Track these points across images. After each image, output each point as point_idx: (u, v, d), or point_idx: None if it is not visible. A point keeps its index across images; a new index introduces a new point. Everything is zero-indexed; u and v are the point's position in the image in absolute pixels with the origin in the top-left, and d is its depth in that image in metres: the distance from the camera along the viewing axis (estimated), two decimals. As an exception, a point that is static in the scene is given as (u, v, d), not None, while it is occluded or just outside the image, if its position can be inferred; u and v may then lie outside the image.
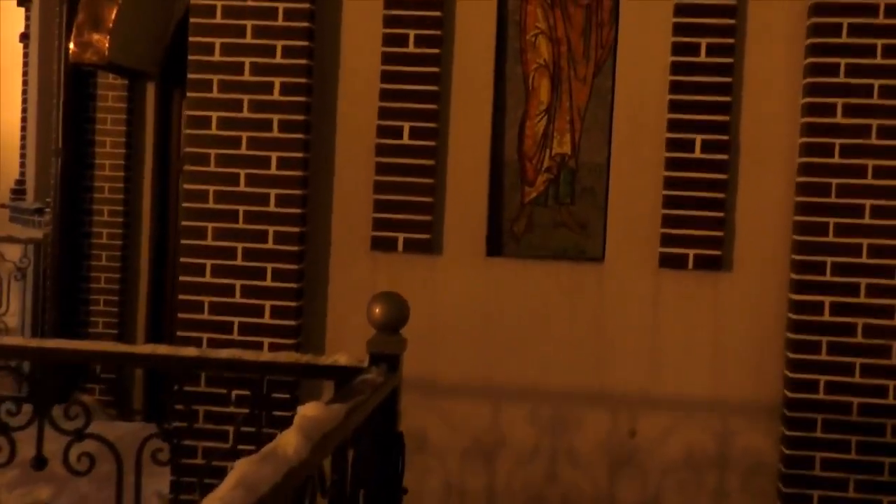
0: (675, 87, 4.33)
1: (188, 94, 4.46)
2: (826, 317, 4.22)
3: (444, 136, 4.50)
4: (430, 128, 4.46)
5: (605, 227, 4.48)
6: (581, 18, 4.49)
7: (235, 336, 4.47)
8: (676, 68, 4.33)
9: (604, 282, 4.45)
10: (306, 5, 4.38)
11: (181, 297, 4.53)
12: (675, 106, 4.33)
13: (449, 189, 4.51)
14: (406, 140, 4.46)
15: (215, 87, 4.44)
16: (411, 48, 4.44)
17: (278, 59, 4.40)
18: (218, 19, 4.42)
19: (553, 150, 4.52)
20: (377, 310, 2.83)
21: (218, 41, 4.42)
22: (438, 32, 4.43)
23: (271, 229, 4.45)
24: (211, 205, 4.46)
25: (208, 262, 4.48)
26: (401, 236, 4.49)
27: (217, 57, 4.43)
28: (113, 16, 6.30)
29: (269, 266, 4.46)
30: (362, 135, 4.52)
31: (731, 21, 4.30)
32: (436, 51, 4.43)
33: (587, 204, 4.52)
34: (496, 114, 4.53)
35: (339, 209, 4.57)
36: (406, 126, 4.46)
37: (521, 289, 4.49)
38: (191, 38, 4.45)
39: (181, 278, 4.53)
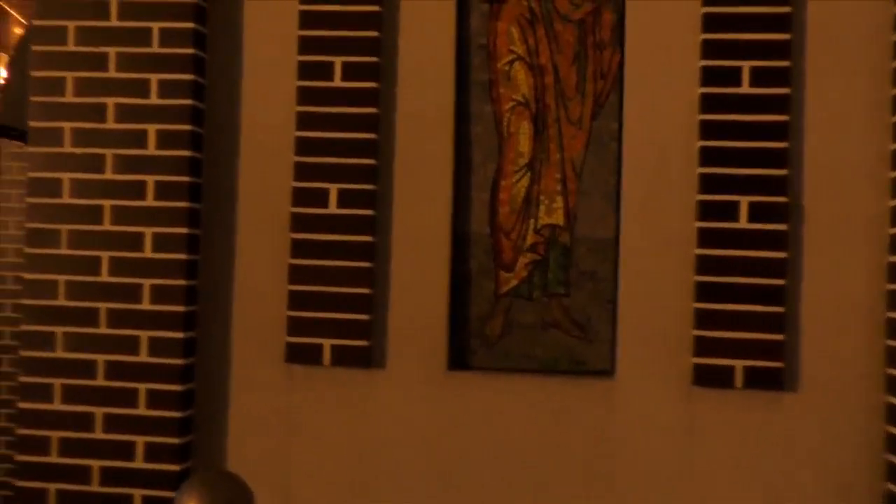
0: (708, 131, 3.06)
1: (29, 149, 3.22)
2: (942, 460, 2.87)
3: (388, 202, 3.23)
4: (366, 191, 3.19)
5: (614, 327, 3.18)
6: (572, 39, 3.24)
7: (95, 486, 3.17)
8: (709, 103, 3.06)
9: (613, 406, 3.13)
10: (190, 24, 3.15)
11: (20, 431, 3.23)
12: (709, 156, 3.05)
13: (395, 276, 3.23)
14: (333, 208, 3.19)
15: (67, 139, 3.20)
16: (337, 81, 3.20)
17: (153, 100, 3.17)
18: (70, 46, 3.20)
19: (539, 220, 3.24)
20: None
21: (70, 76, 3.20)
22: (375, 60, 3.19)
23: (144, 335, 3.17)
24: (61, 301, 3.19)
25: (57, 382, 3.20)
26: (327, 343, 3.20)
27: (69, 97, 3.20)
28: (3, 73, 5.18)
29: (143, 388, 3.17)
30: (273, 202, 3.26)
31: (786, 36, 3.04)
32: (373, 84, 3.19)
33: (588, 296, 3.22)
34: (459, 171, 3.26)
35: (242, 306, 3.29)
36: (333, 189, 3.19)
37: (497, 415, 3.17)
38: (33, 73, 3.23)
39: (21, 405, 3.24)
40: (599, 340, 3.20)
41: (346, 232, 3.18)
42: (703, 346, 3.01)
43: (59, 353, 3.19)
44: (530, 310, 3.24)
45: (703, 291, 3.02)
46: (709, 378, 3.02)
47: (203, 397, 3.28)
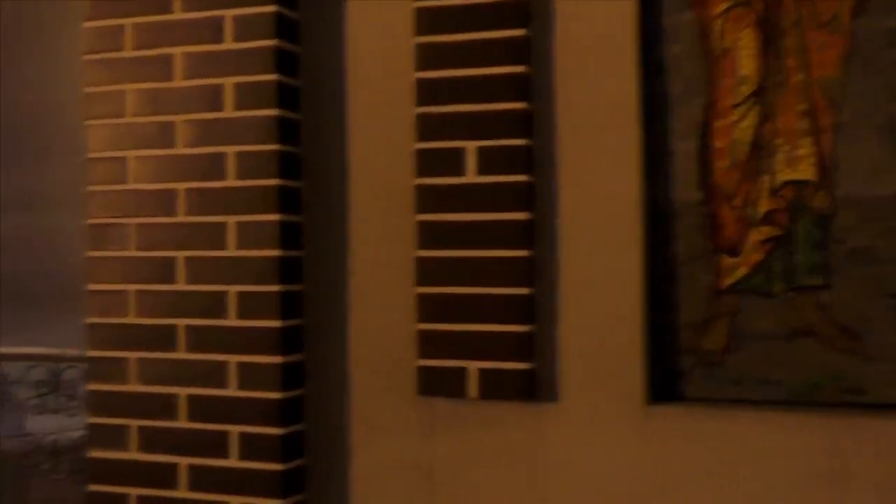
0: None
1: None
2: None
3: (549, 161, 2.25)
4: (516, 147, 2.23)
5: (904, 334, 2.05)
6: None
7: (176, 563, 2.39)
8: None
9: (910, 456, 1.99)
10: (269, -64, 2.33)
11: (92, 487, 2.51)
12: None
13: (564, 269, 2.24)
14: (472, 176, 2.26)
15: (128, 107, 2.46)
16: (470, -5, 2.26)
17: (228, 44, 2.37)
18: (128, -16, 2.46)
19: (778, 175, 2.16)
20: None
21: (130, 22, 2.46)
22: (523, -40, 2.23)
23: (233, 359, 2.36)
24: (130, 318, 2.45)
25: (135, 424, 2.45)
26: (473, 367, 2.26)
27: (130, 52, 2.46)
28: None
29: (235, 430, 2.36)
30: (392, 171, 2.37)
31: None
32: (521, -3, 2.23)
33: (860, 286, 2.09)
34: (650, 111, 2.24)
35: (360, 318, 2.41)
36: (471, 147, 2.26)
37: (721, 468, 2.11)
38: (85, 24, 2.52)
39: (91, 454, 2.52)
40: (881, 355, 2.07)
41: (492, 208, 2.24)
42: None
43: (129, 386, 2.44)
44: (770, 311, 2.15)
45: None
46: None
47: (312, 444, 2.43)
